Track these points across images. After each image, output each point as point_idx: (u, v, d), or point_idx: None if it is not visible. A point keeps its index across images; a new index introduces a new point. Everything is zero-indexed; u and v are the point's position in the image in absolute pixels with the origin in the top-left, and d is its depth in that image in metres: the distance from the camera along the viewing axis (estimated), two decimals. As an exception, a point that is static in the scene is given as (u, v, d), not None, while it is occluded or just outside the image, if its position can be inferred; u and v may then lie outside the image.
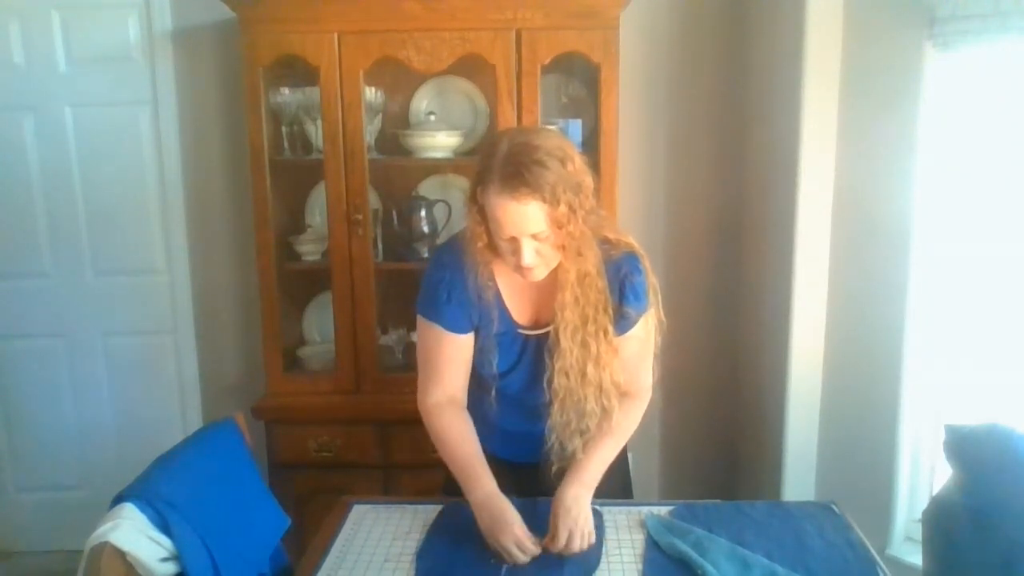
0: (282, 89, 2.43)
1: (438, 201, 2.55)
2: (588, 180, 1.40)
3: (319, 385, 2.53)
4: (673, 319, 1.59)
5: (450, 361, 1.56)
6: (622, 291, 1.50)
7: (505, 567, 1.40)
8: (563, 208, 1.33)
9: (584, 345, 1.46)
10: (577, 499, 1.46)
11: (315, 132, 2.47)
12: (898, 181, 2.06)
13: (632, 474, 1.84)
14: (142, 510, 1.34)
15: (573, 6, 2.27)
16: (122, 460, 2.90)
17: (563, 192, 1.33)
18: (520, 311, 1.55)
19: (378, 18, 2.30)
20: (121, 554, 1.27)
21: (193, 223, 2.84)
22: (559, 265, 1.44)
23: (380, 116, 2.57)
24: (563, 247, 1.40)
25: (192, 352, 2.92)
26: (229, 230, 2.84)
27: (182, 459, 1.52)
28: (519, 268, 1.41)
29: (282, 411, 2.48)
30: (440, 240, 2.47)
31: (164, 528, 1.35)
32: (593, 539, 1.45)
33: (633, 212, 2.74)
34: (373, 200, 2.51)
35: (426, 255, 2.45)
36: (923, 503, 1.87)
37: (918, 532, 1.67)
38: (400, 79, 2.57)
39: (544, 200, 1.32)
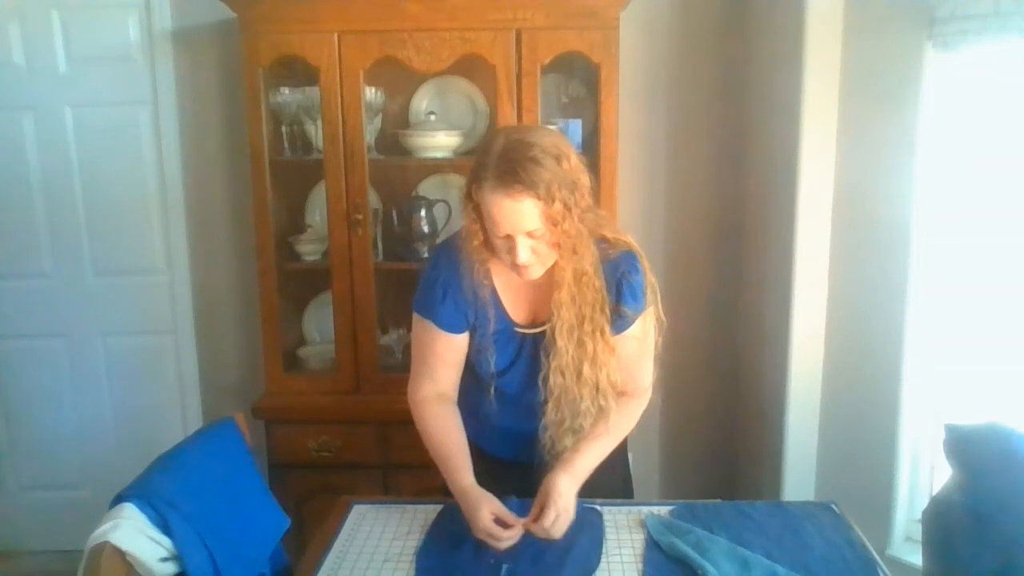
0: (282, 89, 2.43)
1: (438, 201, 2.55)
2: (584, 179, 1.40)
3: (319, 385, 2.53)
4: (673, 319, 1.58)
5: (442, 360, 1.57)
6: (619, 290, 1.49)
7: (505, 567, 1.40)
8: (558, 206, 1.33)
9: (580, 344, 1.46)
10: (569, 487, 1.45)
11: (315, 132, 2.47)
12: (898, 181, 2.06)
13: (632, 474, 1.84)
14: (142, 510, 1.34)
15: (573, 6, 2.27)
16: (122, 460, 2.88)
17: (558, 190, 1.33)
18: (517, 310, 1.55)
19: (378, 18, 2.30)
20: (121, 554, 1.27)
21: (193, 223, 2.84)
22: (555, 264, 1.44)
23: (380, 116, 2.57)
24: (558, 245, 1.39)
25: (192, 352, 2.92)
26: (229, 230, 2.84)
27: (182, 459, 1.52)
28: (515, 266, 1.41)
29: (282, 411, 2.48)
30: (440, 240, 2.47)
31: (164, 528, 1.35)
32: (567, 525, 1.45)
33: (633, 212, 2.74)
34: (373, 200, 2.51)
35: (426, 255, 2.45)
36: (923, 503, 1.87)
37: (918, 532, 1.67)
38: (400, 79, 2.57)
39: (539, 197, 1.32)
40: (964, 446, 1.43)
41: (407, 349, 2.58)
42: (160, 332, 2.92)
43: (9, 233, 2.86)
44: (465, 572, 1.41)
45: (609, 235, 1.51)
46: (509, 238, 1.37)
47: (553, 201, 1.33)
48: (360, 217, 2.38)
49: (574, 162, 1.38)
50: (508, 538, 1.40)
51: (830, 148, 2.22)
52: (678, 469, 2.98)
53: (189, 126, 2.78)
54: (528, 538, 1.43)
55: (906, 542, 2.20)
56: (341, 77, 2.32)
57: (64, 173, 2.81)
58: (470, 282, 1.49)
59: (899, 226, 2.07)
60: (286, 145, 2.52)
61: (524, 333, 1.55)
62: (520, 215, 1.33)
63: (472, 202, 1.40)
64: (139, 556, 1.29)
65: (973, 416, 1.75)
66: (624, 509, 1.64)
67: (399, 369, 2.53)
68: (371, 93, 2.43)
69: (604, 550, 1.49)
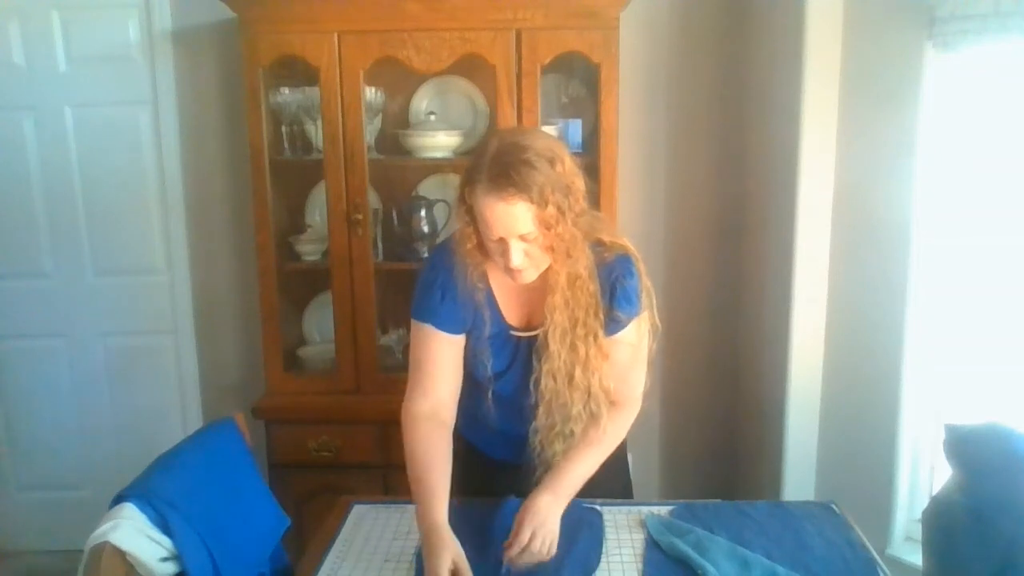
0: (282, 89, 2.43)
1: (438, 201, 2.55)
2: (579, 182, 1.38)
3: (319, 385, 2.53)
4: (673, 319, 1.58)
5: (440, 364, 1.52)
6: (613, 294, 1.47)
7: (505, 567, 1.40)
8: (551, 209, 1.32)
9: (573, 348, 1.44)
10: (549, 505, 1.42)
11: (315, 132, 2.47)
12: (898, 181, 2.06)
13: (632, 474, 1.83)
14: (142, 510, 1.34)
15: (573, 6, 2.27)
16: (122, 460, 2.89)
17: (551, 193, 1.31)
18: (513, 313, 1.54)
19: (378, 18, 2.30)
20: (121, 554, 1.27)
21: (193, 223, 2.84)
22: (549, 267, 1.42)
23: (380, 116, 2.57)
24: (552, 249, 1.37)
25: (192, 352, 2.92)
26: (229, 230, 2.84)
27: (182, 459, 1.52)
28: (508, 270, 1.40)
29: (282, 411, 2.48)
30: (440, 240, 2.47)
31: (164, 528, 1.35)
32: (555, 550, 1.40)
33: (633, 212, 2.74)
34: (373, 200, 2.51)
35: (426, 255, 2.45)
36: (923, 503, 1.87)
37: (918, 532, 1.67)
38: (400, 79, 2.57)
39: (532, 201, 1.31)
40: (964, 446, 1.43)
41: (407, 349, 2.56)
42: (160, 332, 2.92)
43: (9, 233, 2.86)
44: (465, 571, 1.41)
45: (605, 238, 1.49)
46: (502, 241, 1.36)
47: (546, 204, 1.31)
48: (360, 217, 2.38)
49: (568, 165, 1.37)
50: None
51: (830, 148, 2.22)
52: (678, 469, 2.98)
53: (189, 126, 2.78)
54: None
55: (906, 542, 2.20)
56: (341, 77, 2.32)
57: (64, 173, 2.81)
58: (467, 284, 1.48)
59: (899, 226, 2.07)
60: (286, 145, 2.52)
61: (520, 336, 1.54)
62: (513, 218, 1.32)
63: (466, 205, 1.38)
64: (139, 556, 1.29)
65: (973, 416, 1.75)
66: (624, 509, 1.64)
67: (399, 369, 2.53)
68: (371, 93, 2.43)
69: (604, 550, 1.49)
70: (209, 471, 1.54)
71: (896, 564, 2.13)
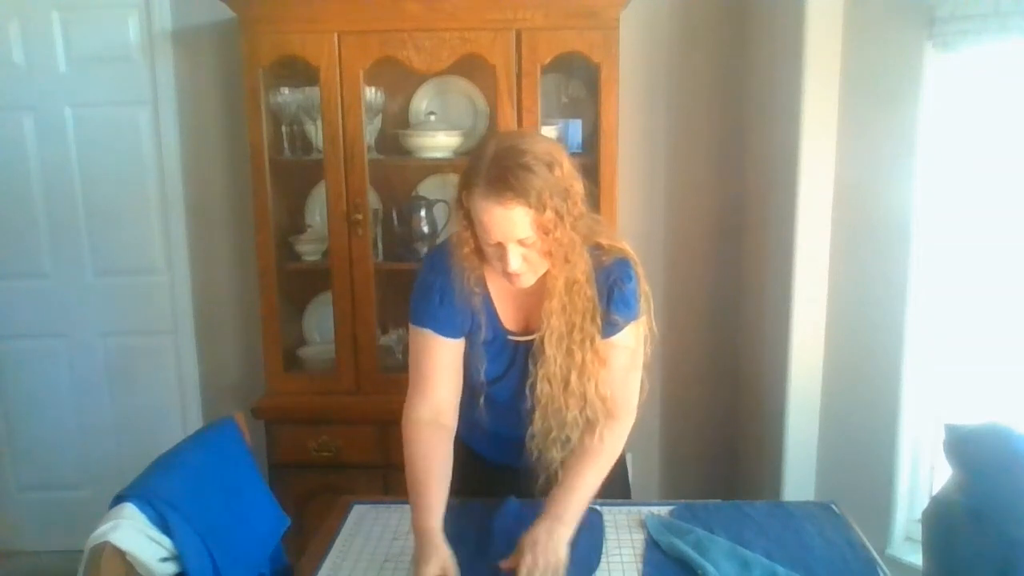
0: (282, 89, 2.43)
1: (438, 201, 2.55)
2: (578, 185, 1.36)
3: (319, 385, 2.53)
4: (673, 319, 1.58)
5: (440, 368, 1.51)
6: (610, 297, 1.45)
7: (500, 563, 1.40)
8: (549, 214, 1.30)
9: (569, 353, 1.43)
10: (550, 532, 1.37)
11: (315, 132, 2.47)
12: (898, 181, 2.06)
13: (632, 474, 1.83)
14: (142, 510, 1.34)
15: (573, 6, 2.27)
16: (122, 460, 2.90)
17: (550, 198, 1.30)
18: (510, 317, 1.53)
19: (378, 18, 2.30)
20: (121, 554, 1.27)
21: (193, 223, 2.84)
22: (547, 272, 1.40)
23: (380, 116, 2.57)
24: (550, 254, 1.36)
25: (192, 352, 2.92)
26: (229, 230, 2.84)
27: (182, 459, 1.52)
28: (506, 274, 1.38)
29: (282, 411, 2.48)
30: (440, 240, 2.47)
31: (164, 528, 1.35)
32: (557, 571, 1.35)
33: (633, 212, 2.74)
34: (373, 200, 2.51)
35: (426, 255, 2.45)
36: (923, 503, 1.87)
37: (918, 532, 1.67)
38: (400, 79, 2.57)
39: (530, 205, 1.29)
40: (964, 446, 1.43)
41: (407, 349, 2.56)
42: (160, 332, 2.92)
43: (9, 233, 2.86)
44: (465, 572, 1.41)
45: (604, 242, 1.47)
46: (500, 246, 1.34)
47: (544, 209, 1.30)
48: (360, 217, 2.38)
49: (567, 169, 1.35)
50: None
51: (830, 148, 2.22)
52: (678, 469, 2.98)
53: (189, 126, 2.78)
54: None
55: (906, 542, 2.20)
56: (341, 77, 2.32)
57: (64, 173, 2.81)
58: (464, 288, 1.46)
59: (899, 226, 2.07)
60: (286, 145, 2.52)
61: (517, 341, 1.53)
62: (511, 223, 1.30)
63: (463, 209, 1.37)
64: (139, 556, 1.29)
65: (973, 416, 1.75)
66: (624, 509, 1.64)
67: (399, 369, 2.53)
68: (371, 93, 2.43)
69: (604, 550, 1.49)
70: (209, 471, 1.54)
71: (896, 564, 2.13)
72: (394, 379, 2.45)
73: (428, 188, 2.65)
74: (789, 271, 2.29)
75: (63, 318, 2.91)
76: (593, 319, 1.43)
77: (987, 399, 2.02)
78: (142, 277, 2.90)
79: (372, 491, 2.34)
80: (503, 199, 1.29)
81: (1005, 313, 1.96)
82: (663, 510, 1.63)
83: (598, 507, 1.60)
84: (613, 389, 1.48)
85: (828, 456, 2.35)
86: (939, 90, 1.98)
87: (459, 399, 1.54)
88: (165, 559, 1.34)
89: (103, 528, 1.28)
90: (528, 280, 1.40)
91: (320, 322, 2.73)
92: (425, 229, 2.51)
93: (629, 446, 1.75)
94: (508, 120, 2.32)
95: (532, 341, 1.49)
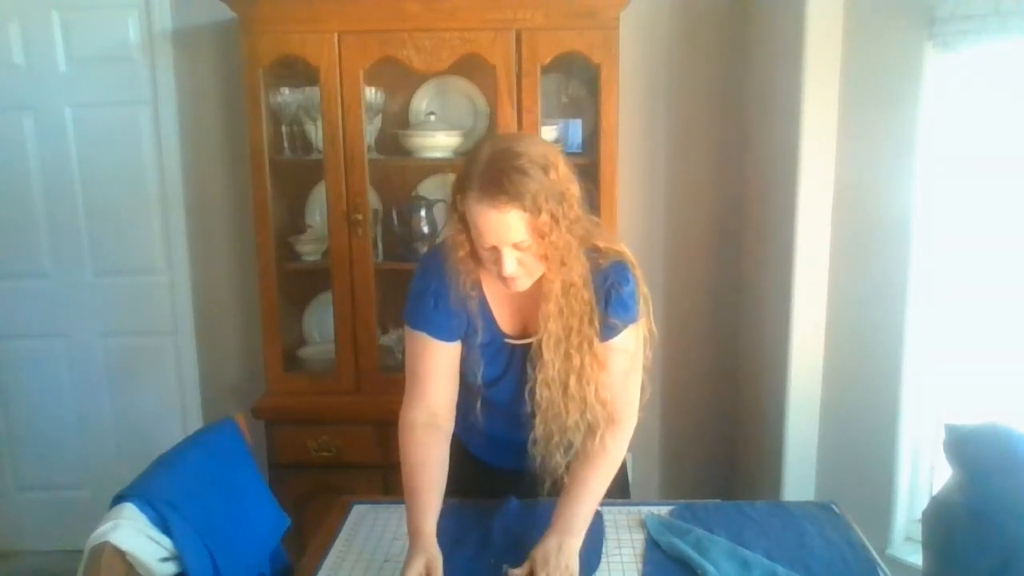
0: (282, 89, 2.43)
1: (438, 201, 2.55)
2: (574, 188, 1.35)
3: (319, 385, 2.53)
4: (673, 319, 1.58)
5: (436, 371, 1.50)
6: (607, 300, 1.44)
7: (505, 567, 1.40)
8: (545, 217, 1.29)
9: (567, 357, 1.42)
10: (560, 548, 1.36)
11: (315, 132, 2.47)
12: (898, 181, 2.06)
13: (632, 474, 1.83)
14: (142, 510, 1.34)
15: (573, 6, 2.27)
16: (122, 460, 2.91)
17: (545, 201, 1.28)
18: (507, 320, 1.52)
19: (378, 18, 2.30)
20: (121, 554, 1.27)
21: (193, 223, 2.84)
22: (543, 275, 1.39)
23: (380, 116, 2.57)
24: (546, 257, 1.34)
25: (192, 352, 2.92)
26: (229, 230, 2.84)
27: (182, 459, 1.52)
28: (501, 278, 1.37)
29: (282, 411, 2.48)
30: (440, 240, 2.47)
31: (164, 528, 1.35)
32: None
33: (633, 212, 2.74)
34: (373, 200, 2.51)
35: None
36: (923, 503, 1.87)
37: (918, 532, 1.67)
38: (400, 79, 2.57)
39: (524, 209, 1.28)
40: (964, 446, 1.43)
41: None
42: (160, 332, 2.92)
43: (9, 233, 2.86)
44: (465, 572, 1.41)
45: (601, 244, 1.45)
46: (495, 249, 1.33)
47: (539, 212, 1.28)
48: (360, 217, 2.38)
49: (563, 171, 1.34)
50: None
51: (830, 148, 2.22)
52: (678, 469, 2.98)
53: (189, 126, 2.78)
54: (528, 539, 1.42)
55: (906, 542, 2.20)
56: (341, 77, 2.32)
57: (64, 173, 2.81)
58: (459, 291, 1.45)
59: (899, 226, 2.07)
60: (286, 145, 2.52)
61: (514, 344, 1.52)
62: (505, 227, 1.29)
63: (457, 212, 1.36)
64: (139, 556, 1.29)
65: (973, 416, 1.75)
66: (624, 509, 1.64)
67: (399, 369, 2.49)
68: (371, 93, 2.43)
69: (604, 550, 1.49)
70: (209, 471, 1.54)
71: (896, 564, 2.13)
72: (394, 379, 2.43)
73: (428, 188, 2.65)
74: (789, 271, 2.29)
75: (63, 318, 2.91)
76: (591, 322, 1.42)
77: (987, 399, 2.02)
78: (142, 277, 2.90)
79: (372, 491, 2.34)
80: (497, 202, 1.28)
81: (1005, 313, 1.96)
82: (663, 510, 1.63)
83: (598, 507, 1.60)
84: (614, 393, 1.47)
85: (828, 456, 2.35)
86: (939, 90, 1.98)
87: (455, 402, 1.54)
88: (165, 559, 1.34)
89: (103, 528, 1.28)
90: (524, 284, 1.39)
91: (320, 322, 2.73)
92: (425, 229, 2.51)
93: (629, 446, 1.75)
94: (508, 120, 2.32)
95: (529, 344, 1.48)
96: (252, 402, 2.49)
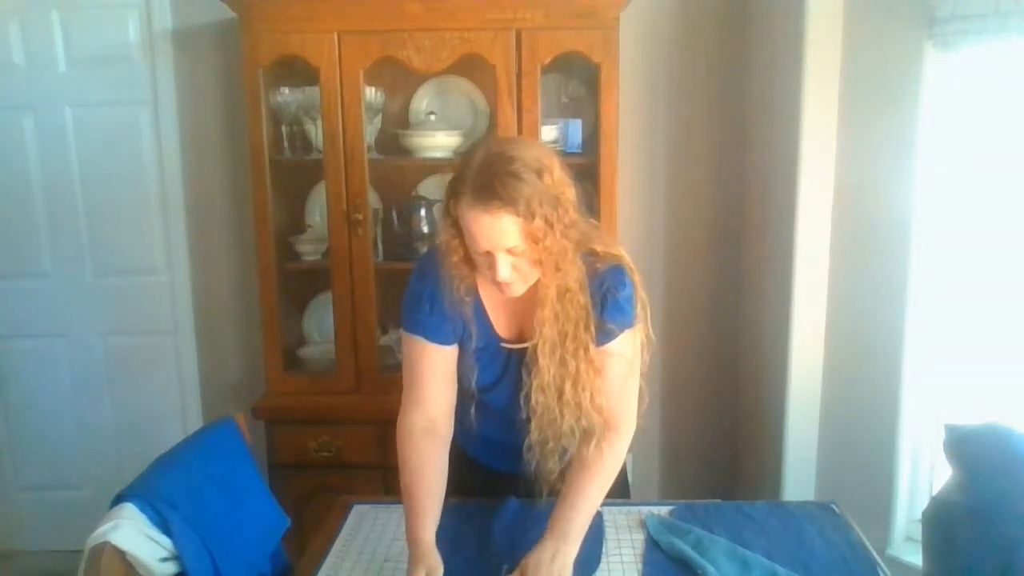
0: (282, 89, 2.43)
1: (438, 201, 2.55)
2: (569, 192, 1.33)
3: (319, 385, 2.53)
4: (673, 319, 1.57)
5: (433, 375, 1.48)
6: (603, 304, 1.42)
7: (505, 567, 1.40)
8: (539, 222, 1.27)
9: (562, 363, 1.40)
10: (554, 554, 1.34)
11: (315, 132, 2.47)
12: (898, 181, 2.06)
13: (632, 474, 1.83)
14: (142, 510, 1.34)
15: (573, 6, 2.27)
16: (122, 460, 2.91)
17: (539, 206, 1.27)
18: (503, 324, 1.50)
19: (378, 18, 2.30)
20: (121, 554, 1.27)
21: (193, 223, 2.84)
22: (539, 280, 1.38)
23: (380, 116, 2.57)
24: (540, 262, 1.33)
25: (192, 352, 2.92)
26: (229, 230, 2.84)
27: (182, 459, 1.52)
28: (496, 283, 1.36)
29: (282, 411, 2.48)
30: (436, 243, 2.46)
31: (164, 528, 1.35)
32: None
33: (633, 212, 2.74)
34: (373, 200, 2.51)
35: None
36: (923, 503, 1.87)
37: (918, 532, 1.67)
38: (400, 79, 2.57)
39: (518, 214, 1.26)
40: (964, 446, 1.43)
41: (407, 349, 2.58)
42: (160, 332, 2.92)
43: (9, 233, 2.86)
44: (465, 572, 1.41)
45: (599, 248, 1.44)
46: (489, 255, 1.31)
47: (533, 217, 1.26)
48: (360, 217, 2.38)
49: (558, 175, 1.32)
50: None
51: (830, 148, 2.22)
52: (678, 469, 2.98)
53: (189, 126, 2.78)
54: (528, 539, 1.42)
55: (906, 542, 2.20)
56: (341, 77, 2.32)
57: (64, 173, 2.81)
58: (454, 296, 1.44)
59: (899, 226, 2.07)
60: (286, 145, 2.52)
61: (510, 348, 1.51)
62: (499, 232, 1.27)
63: (450, 217, 1.34)
64: (139, 556, 1.29)
65: (973, 416, 1.75)
66: (624, 509, 1.64)
67: (399, 369, 2.51)
68: (371, 93, 2.43)
69: (604, 550, 1.49)
70: (209, 471, 1.54)
71: (896, 564, 2.13)
72: (394, 379, 2.42)
73: (428, 188, 2.65)
74: (789, 271, 2.29)
75: (63, 318, 2.91)
76: (586, 327, 1.40)
77: (987, 399, 2.02)
78: (142, 277, 2.90)
79: (372, 491, 2.34)
80: (490, 207, 1.26)
81: (1005, 313, 1.96)
82: (663, 510, 1.63)
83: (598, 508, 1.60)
84: (611, 399, 1.45)
85: (828, 456, 2.35)
86: (939, 90, 1.98)
87: (454, 407, 1.52)
88: (165, 559, 1.34)
89: (103, 528, 1.28)
90: (518, 289, 1.38)
91: (320, 322, 2.73)
92: (425, 229, 2.51)
93: (629, 446, 1.75)
94: (508, 120, 2.32)
95: (525, 349, 1.47)
96: (252, 402, 2.49)
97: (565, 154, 2.39)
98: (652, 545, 1.50)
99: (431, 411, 1.48)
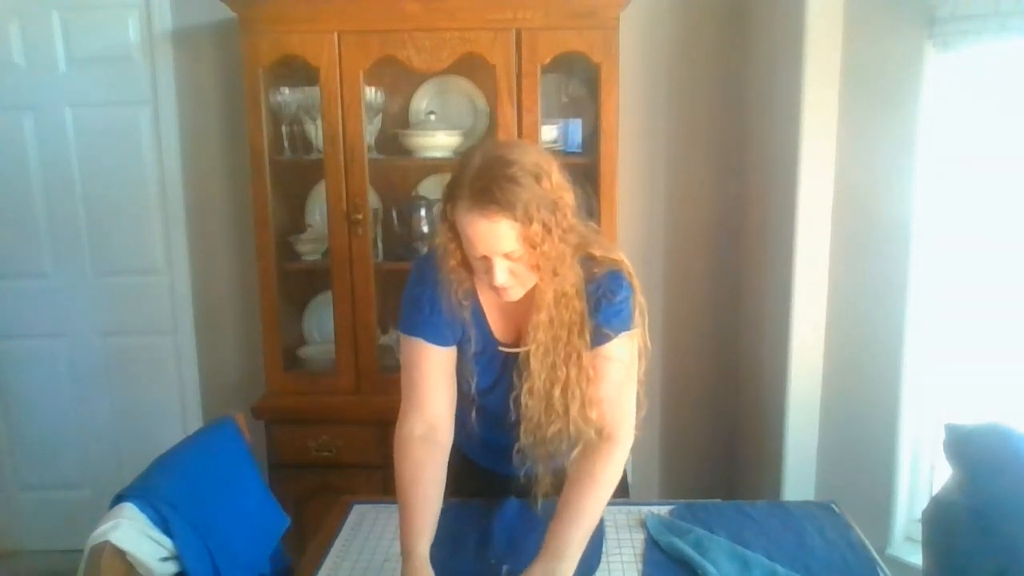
0: (282, 89, 2.43)
1: (438, 201, 2.54)
2: (568, 197, 1.32)
3: (319, 385, 2.53)
4: (673, 319, 1.57)
5: (432, 378, 1.46)
6: (598, 308, 1.41)
7: (505, 567, 1.40)
8: (536, 227, 1.26)
9: (553, 368, 1.39)
10: (549, 574, 1.29)
11: (315, 132, 2.47)
12: (898, 181, 2.06)
13: (632, 474, 1.83)
14: (142, 510, 1.34)
15: (573, 6, 2.27)
16: (122, 460, 2.91)
17: (537, 210, 1.25)
18: (501, 328, 1.50)
19: (378, 18, 2.30)
20: (121, 553, 1.27)
21: (193, 223, 2.84)
22: (536, 285, 1.36)
23: (380, 116, 2.57)
24: (538, 267, 1.32)
25: (192, 352, 2.92)
26: (229, 230, 2.84)
27: (182, 459, 1.52)
28: (493, 287, 1.35)
29: (282, 411, 2.48)
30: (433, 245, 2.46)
31: (164, 528, 1.35)
32: None
33: (633, 212, 2.74)
34: (373, 200, 2.51)
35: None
36: (923, 503, 1.87)
37: (918, 532, 1.67)
38: (400, 79, 2.57)
39: (515, 219, 1.24)
40: (964, 446, 1.43)
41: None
42: (160, 332, 2.92)
43: (9, 233, 2.86)
44: (465, 572, 1.41)
45: (597, 253, 1.42)
46: (486, 259, 1.30)
47: (531, 222, 1.25)
48: (360, 217, 2.38)
49: (556, 180, 1.31)
50: None
51: (830, 148, 2.22)
52: (678, 469, 2.98)
53: (189, 126, 2.78)
54: (528, 539, 1.42)
55: (906, 542, 2.20)
56: (341, 77, 2.32)
57: (64, 173, 2.81)
58: (452, 300, 1.42)
59: (899, 226, 2.08)
60: (286, 145, 2.52)
61: (507, 352, 1.49)
62: (496, 236, 1.26)
63: (448, 221, 1.33)
64: (139, 556, 1.29)
65: (973, 416, 1.75)
66: (624, 509, 1.64)
67: (399, 369, 2.52)
68: (371, 93, 2.43)
69: (604, 550, 1.49)
70: (209, 471, 1.54)
71: (896, 564, 2.13)
72: (394, 379, 2.40)
73: (428, 188, 2.65)
74: (789, 271, 2.29)
75: (63, 318, 2.91)
76: (580, 334, 1.39)
77: (987, 399, 2.02)
78: (142, 277, 2.90)
79: (372, 491, 2.34)
80: (487, 212, 1.25)
81: (1005, 313, 1.96)
82: (663, 510, 1.63)
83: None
84: (607, 406, 1.42)
85: (828, 456, 2.35)
86: (939, 90, 1.98)
87: (453, 413, 1.50)
88: (165, 559, 1.34)
89: (103, 528, 1.28)
90: (516, 294, 1.37)
91: (320, 322, 2.73)
92: (425, 229, 2.51)
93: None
94: (508, 120, 2.32)
95: (520, 353, 1.45)
96: (252, 402, 2.49)
97: (565, 154, 2.39)
98: (652, 545, 1.50)
99: (430, 416, 1.46)
